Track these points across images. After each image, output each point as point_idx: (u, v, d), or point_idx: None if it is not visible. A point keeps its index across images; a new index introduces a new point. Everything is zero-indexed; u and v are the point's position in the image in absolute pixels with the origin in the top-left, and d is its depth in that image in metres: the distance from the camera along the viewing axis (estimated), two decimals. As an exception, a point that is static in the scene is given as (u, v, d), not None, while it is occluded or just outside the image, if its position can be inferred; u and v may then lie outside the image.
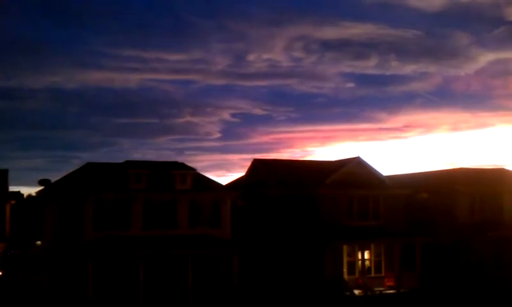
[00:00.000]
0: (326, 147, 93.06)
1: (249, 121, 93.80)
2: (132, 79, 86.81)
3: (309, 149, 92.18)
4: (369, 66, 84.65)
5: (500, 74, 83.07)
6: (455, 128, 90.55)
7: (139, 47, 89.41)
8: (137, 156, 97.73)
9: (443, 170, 42.43)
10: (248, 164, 39.95)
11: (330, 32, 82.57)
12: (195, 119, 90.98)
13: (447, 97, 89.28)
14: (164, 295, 29.07)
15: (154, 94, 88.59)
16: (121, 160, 33.98)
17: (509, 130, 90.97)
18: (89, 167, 33.47)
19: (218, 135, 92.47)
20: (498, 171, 41.39)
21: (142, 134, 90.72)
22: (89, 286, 27.41)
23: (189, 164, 34.20)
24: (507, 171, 41.90)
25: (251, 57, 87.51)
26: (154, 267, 29.55)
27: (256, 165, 38.73)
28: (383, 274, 33.41)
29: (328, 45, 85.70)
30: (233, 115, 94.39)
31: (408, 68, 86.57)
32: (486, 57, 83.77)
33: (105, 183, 31.10)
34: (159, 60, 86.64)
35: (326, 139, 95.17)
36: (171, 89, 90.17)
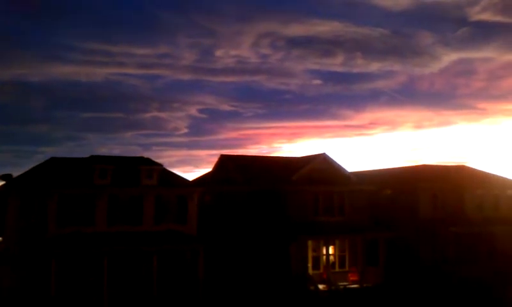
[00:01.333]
0: (293, 143, 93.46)
1: (217, 117, 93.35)
2: (99, 73, 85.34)
3: (276, 145, 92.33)
4: (335, 63, 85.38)
5: (463, 73, 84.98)
6: (419, 126, 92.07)
7: (107, 41, 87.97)
8: (103, 151, 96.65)
9: (407, 167, 43.28)
10: (216, 159, 40.02)
11: (297, 30, 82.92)
12: (162, 115, 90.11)
13: (412, 95, 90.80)
14: (128, 291, 28.81)
15: (121, 89, 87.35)
16: (86, 155, 33.52)
17: (470, 128, 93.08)
18: (53, 162, 32.92)
19: (185, 130, 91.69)
20: (460, 168, 42.48)
21: (108, 129, 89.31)
22: (52, 284, 26.95)
23: (156, 160, 34.00)
24: (469, 168, 43.08)
25: (218, 52, 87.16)
26: (119, 263, 29.26)
27: (224, 161, 38.80)
28: (347, 268, 33.96)
29: (294, 42, 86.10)
30: (201, 111, 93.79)
31: (374, 66, 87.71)
32: (449, 57, 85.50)
33: (69, 179, 30.61)
34: (126, 54, 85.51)
35: (293, 135, 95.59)
36: (138, 83, 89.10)
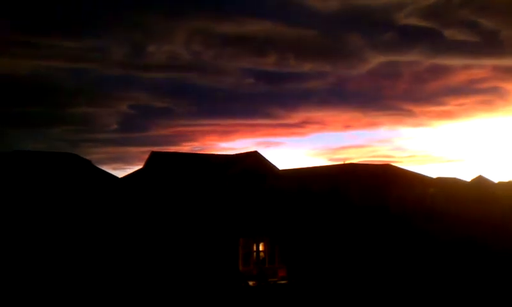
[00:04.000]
0: (226, 142, 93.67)
1: (149, 114, 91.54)
2: (25, 66, 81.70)
3: (209, 143, 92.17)
4: (268, 63, 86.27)
5: (389, 76, 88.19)
6: (348, 125, 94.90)
7: (33, 33, 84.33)
8: (28, 147, 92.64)
9: (335, 165, 44.56)
10: (147, 157, 39.40)
11: (230, 28, 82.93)
12: (91, 110, 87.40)
13: (341, 96, 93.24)
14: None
15: (48, 83, 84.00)
16: (9, 151, 32.22)
17: (396, 129, 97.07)
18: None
19: (116, 127, 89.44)
20: (385, 167, 44.22)
21: (34, 124, 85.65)
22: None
23: (84, 157, 33.16)
24: (393, 166, 44.89)
25: (150, 48, 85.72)
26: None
27: (154, 158, 38.30)
28: (276, 265, 34.54)
29: (227, 40, 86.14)
30: (132, 107, 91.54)
31: (305, 67, 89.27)
32: (377, 59, 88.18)
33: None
34: (53, 47, 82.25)
35: (226, 133, 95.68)
36: (66, 77, 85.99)
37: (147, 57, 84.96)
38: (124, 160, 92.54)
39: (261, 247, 34.46)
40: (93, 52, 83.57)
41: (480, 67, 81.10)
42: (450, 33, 77.84)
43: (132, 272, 29.06)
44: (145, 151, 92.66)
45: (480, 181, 53.28)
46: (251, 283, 31.72)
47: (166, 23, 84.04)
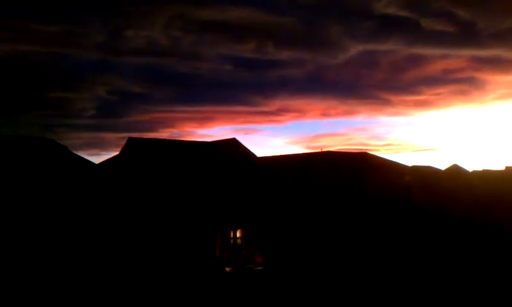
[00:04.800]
0: (205, 128, 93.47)
1: (127, 99, 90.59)
2: (1, 50, 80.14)
3: (187, 129, 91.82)
4: (247, 50, 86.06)
5: (367, 64, 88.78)
6: (325, 114, 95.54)
7: (10, 17, 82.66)
8: (4, 131, 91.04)
9: (313, 153, 44.82)
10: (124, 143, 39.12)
11: (209, 14, 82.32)
12: (68, 95, 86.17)
13: (319, 84, 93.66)
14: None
15: (25, 67, 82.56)
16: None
17: (373, 117, 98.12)
18: None
19: (93, 112, 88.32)
20: (362, 155, 44.64)
21: (10, 108, 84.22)
22: None
23: (60, 142, 32.80)
24: (370, 155, 45.35)
25: (128, 33, 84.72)
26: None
27: (131, 144, 38.04)
28: (253, 251, 34.75)
29: (207, 26, 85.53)
30: (110, 92, 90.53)
31: (284, 54, 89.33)
32: (355, 48, 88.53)
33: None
34: (30, 30, 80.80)
35: (205, 120, 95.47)
36: (43, 61, 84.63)
37: (125, 42, 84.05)
38: (101, 146, 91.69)
39: (238, 234, 34.61)
40: (70, 36, 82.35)
41: (457, 57, 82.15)
42: (427, 23, 78.54)
43: (108, 259, 28.96)
44: (123, 137, 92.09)
45: (455, 170, 54.15)
46: (227, 269, 31.89)
47: (145, 8, 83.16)
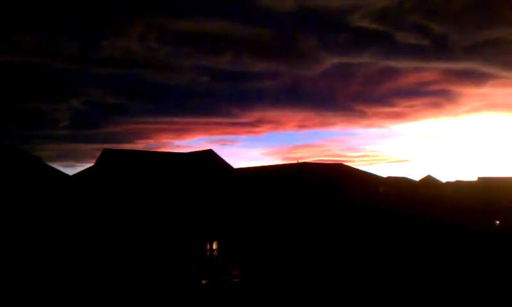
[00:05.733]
0: (181, 140, 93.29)
1: (102, 110, 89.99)
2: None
3: (164, 141, 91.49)
4: (224, 61, 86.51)
5: (342, 77, 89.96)
6: (302, 125, 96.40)
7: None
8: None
9: (289, 164, 45.04)
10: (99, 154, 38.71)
11: (185, 25, 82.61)
12: (43, 106, 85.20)
13: (296, 96, 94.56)
14: None
15: (0, 77, 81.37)
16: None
17: (349, 129, 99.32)
18: None
19: (67, 123, 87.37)
20: (338, 166, 45.00)
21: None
22: None
23: (35, 153, 32.35)
24: (346, 166, 45.74)
25: (105, 43, 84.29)
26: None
27: (106, 155, 37.66)
28: (230, 263, 34.63)
29: (183, 37, 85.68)
30: (85, 103, 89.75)
31: (260, 66, 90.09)
32: (331, 60, 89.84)
33: None
34: (5, 40, 79.78)
35: (181, 131, 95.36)
36: (19, 72, 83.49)
37: (101, 52, 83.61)
38: (75, 158, 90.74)
39: (214, 246, 34.46)
40: (46, 46, 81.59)
41: (430, 70, 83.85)
42: (401, 36, 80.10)
43: (82, 272, 28.56)
44: (98, 148, 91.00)
45: (428, 181, 55.02)
46: (204, 282, 31.68)
47: (121, 19, 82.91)
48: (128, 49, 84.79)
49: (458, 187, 52.63)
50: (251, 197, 36.79)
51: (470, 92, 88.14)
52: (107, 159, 37.31)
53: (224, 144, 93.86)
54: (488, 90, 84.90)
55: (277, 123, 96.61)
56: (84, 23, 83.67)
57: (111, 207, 34.10)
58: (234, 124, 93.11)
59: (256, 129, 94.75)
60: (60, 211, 29.93)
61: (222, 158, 37.73)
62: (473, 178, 54.41)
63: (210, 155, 37.14)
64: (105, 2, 79.99)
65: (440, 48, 79.79)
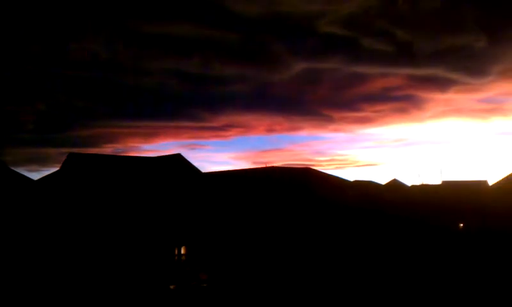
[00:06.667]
0: (149, 144, 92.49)
1: (68, 113, 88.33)
2: None
3: (131, 145, 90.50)
4: (192, 65, 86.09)
5: (310, 82, 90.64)
6: (270, 129, 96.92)
7: None
8: None
9: (258, 168, 45.24)
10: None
11: (153, 28, 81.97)
12: (7, 109, 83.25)
13: (264, 100, 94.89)
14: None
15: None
16: None
17: (316, 133, 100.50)
18: None
19: (32, 126, 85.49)
20: (305, 170, 45.38)
21: None
22: None
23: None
24: (313, 170, 46.16)
25: (71, 46, 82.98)
26: None
27: (71, 159, 37.07)
28: (198, 268, 34.47)
29: (151, 41, 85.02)
30: (50, 106, 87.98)
31: (229, 70, 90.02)
32: (299, 65, 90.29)
33: None
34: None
35: (149, 135, 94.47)
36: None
37: (67, 54, 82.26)
38: (41, 162, 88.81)
39: (183, 251, 34.26)
40: (11, 49, 79.82)
41: (396, 76, 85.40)
42: (368, 42, 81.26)
43: (46, 276, 28.02)
44: (64, 152, 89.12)
45: (394, 185, 55.94)
46: (171, 287, 31.43)
47: (88, 21, 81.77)
48: (95, 52, 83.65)
49: (423, 190, 53.69)
50: (220, 202, 36.72)
51: (435, 97, 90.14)
52: (72, 163, 36.74)
53: (193, 148, 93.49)
54: (451, 96, 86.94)
55: (246, 127, 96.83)
56: (51, 26, 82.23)
57: (77, 212, 33.56)
58: (203, 128, 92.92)
59: (225, 133, 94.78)
60: (24, 216, 29.29)
61: (190, 163, 37.61)
62: (437, 181, 55.65)
63: (178, 159, 36.92)
64: (72, 5, 78.85)
65: (405, 55, 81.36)
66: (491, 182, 54.09)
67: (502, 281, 28.27)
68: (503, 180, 52.09)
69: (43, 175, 40.90)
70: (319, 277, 32.59)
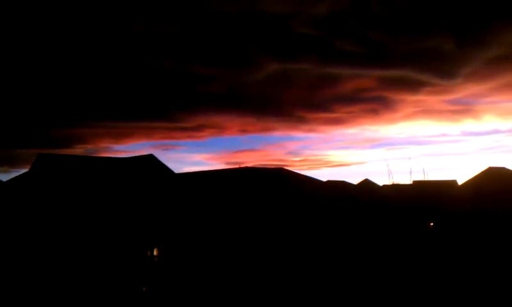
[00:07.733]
0: (121, 144, 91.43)
1: (38, 113, 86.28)
2: None
3: (103, 145, 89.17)
4: (165, 64, 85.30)
5: (283, 82, 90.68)
6: (243, 130, 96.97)
7: None
8: None
9: (232, 168, 45.24)
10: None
11: (125, 26, 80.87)
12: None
13: (237, 101, 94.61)
14: None
15: None
16: None
17: (289, 134, 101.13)
18: None
19: (2, 127, 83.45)
20: (278, 171, 45.53)
21: None
22: None
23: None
24: (286, 170, 46.33)
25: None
26: None
27: (41, 160, 36.42)
28: (170, 269, 34.26)
29: (124, 39, 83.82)
30: (20, 105, 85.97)
31: (202, 70, 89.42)
32: (271, 66, 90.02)
33: None
34: None
35: (121, 135, 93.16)
36: None
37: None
38: (10, 163, 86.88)
39: (155, 252, 34.01)
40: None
41: (367, 77, 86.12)
42: (340, 43, 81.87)
43: (15, 277, 27.51)
44: (34, 153, 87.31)
45: (366, 184, 56.52)
46: (144, 289, 31.16)
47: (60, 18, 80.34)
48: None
49: (394, 190, 54.39)
50: (193, 203, 36.57)
51: (405, 99, 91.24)
52: (42, 164, 36.12)
53: (166, 149, 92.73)
54: (422, 97, 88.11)
55: (219, 128, 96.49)
56: (16, 18, 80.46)
57: (47, 213, 33.02)
58: (176, 129, 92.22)
59: (199, 134, 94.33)
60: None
61: (163, 163, 37.37)
62: (408, 181, 56.41)
63: (151, 160, 36.64)
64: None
65: (376, 56, 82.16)
66: (460, 182, 55.19)
67: (469, 276, 28.88)
68: (472, 179, 53.18)
69: (13, 176, 40.13)
70: (293, 274, 32.73)
